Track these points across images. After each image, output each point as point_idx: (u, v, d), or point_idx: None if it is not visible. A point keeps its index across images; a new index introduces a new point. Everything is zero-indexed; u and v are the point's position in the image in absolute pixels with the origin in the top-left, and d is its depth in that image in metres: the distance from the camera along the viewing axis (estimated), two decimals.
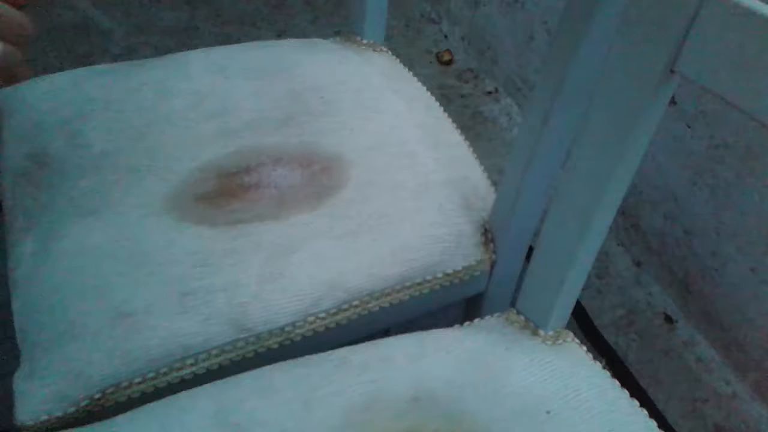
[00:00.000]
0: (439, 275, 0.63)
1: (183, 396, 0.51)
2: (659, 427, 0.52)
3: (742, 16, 0.37)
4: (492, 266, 0.66)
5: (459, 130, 0.74)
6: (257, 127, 0.69)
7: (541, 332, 0.57)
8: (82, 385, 0.52)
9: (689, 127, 0.99)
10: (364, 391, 0.51)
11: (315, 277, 0.58)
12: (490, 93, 1.49)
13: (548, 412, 0.51)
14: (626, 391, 0.54)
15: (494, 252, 0.65)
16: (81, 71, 0.74)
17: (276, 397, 0.50)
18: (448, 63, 1.56)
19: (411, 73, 0.81)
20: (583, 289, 0.57)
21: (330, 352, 0.55)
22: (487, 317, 0.60)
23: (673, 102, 1.01)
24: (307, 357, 0.54)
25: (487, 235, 0.65)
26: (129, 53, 1.49)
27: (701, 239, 1.02)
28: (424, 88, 0.79)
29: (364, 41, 0.82)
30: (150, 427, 0.48)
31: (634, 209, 1.14)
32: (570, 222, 0.51)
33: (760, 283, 0.93)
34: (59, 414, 0.51)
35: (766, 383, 0.97)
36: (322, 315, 0.58)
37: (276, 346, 0.57)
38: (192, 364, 0.55)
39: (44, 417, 0.51)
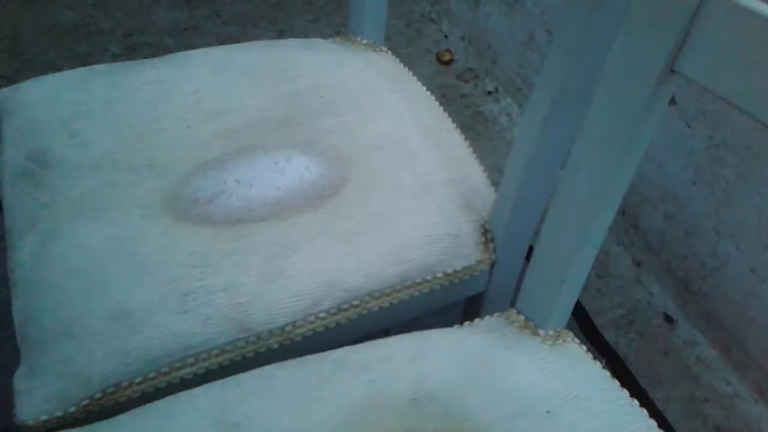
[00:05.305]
0: (439, 275, 0.63)
1: (183, 396, 0.51)
2: (659, 427, 0.52)
3: (742, 16, 0.37)
4: (492, 266, 0.66)
5: (459, 130, 0.74)
6: (257, 127, 0.69)
7: (541, 332, 0.57)
8: (82, 385, 0.52)
9: (689, 127, 0.99)
10: (364, 391, 0.51)
11: (315, 276, 0.58)
12: (490, 93, 1.49)
13: (548, 412, 0.51)
14: (626, 391, 0.54)
15: (494, 252, 0.65)
16: (81, 71, 0.74)
17: (276, 397, 0.50)
18: (448, 63, 1.56)
19: (411, 73, 0.81)
20: (583, 289, 0.57)
21: (330, 352, 0.55)
22: (487, 317, 0.60)
23: (673, 102, 1.01)
24: (307, 357, 0.54)
25: (487, 235, 0.65)
26: (129, 53, 1.49)
27: (701, 239, 1.02)
28: (424, 88, 0.79)
29: (364, 41, 0.82)
30: (150, 427, 0.48)
31: (634, 209, 1.14)
32: (570, 221, 0.51)
33: (760, 283, 0.93)
34: (60, 414, 0.51)
35: (766, 383, 0.97)
36: (322, 315, 0.58)
37: (276, 345, 0.57)
38: (192, 364, 0.55)
39: (45, 417, 0.51)
